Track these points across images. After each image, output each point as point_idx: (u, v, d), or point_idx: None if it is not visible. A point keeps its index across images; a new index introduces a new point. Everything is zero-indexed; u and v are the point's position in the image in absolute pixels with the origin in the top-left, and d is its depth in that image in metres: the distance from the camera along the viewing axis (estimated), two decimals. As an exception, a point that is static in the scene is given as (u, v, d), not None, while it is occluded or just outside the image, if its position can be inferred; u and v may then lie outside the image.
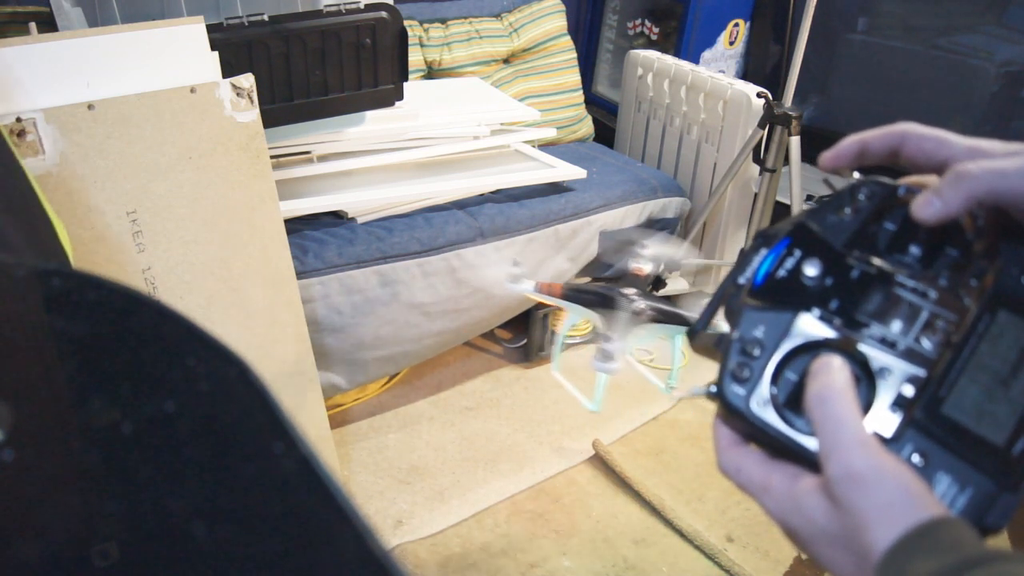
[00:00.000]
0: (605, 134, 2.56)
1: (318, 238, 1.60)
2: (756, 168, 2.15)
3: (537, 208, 1.84)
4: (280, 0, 1.77)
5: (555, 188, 1.93)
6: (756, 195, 2.18)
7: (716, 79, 2.12)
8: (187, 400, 0.30)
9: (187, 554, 0.25)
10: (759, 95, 2.01)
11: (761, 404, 0.35)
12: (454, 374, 2.04)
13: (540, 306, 1.99)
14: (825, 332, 0.35)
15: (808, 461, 0.34)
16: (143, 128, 1.17)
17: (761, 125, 1.98)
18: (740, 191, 2.20)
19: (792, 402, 0.35)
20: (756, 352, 0.35)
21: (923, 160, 0.38)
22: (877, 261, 0.36)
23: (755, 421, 0.35)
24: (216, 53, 1.26)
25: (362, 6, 1.56)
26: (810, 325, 0.35)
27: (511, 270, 1.23)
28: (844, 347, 0.35)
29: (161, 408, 0.30)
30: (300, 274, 1.50)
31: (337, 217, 1.70)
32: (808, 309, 0.36)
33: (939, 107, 2.38)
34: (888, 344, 0.34)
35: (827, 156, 0.41)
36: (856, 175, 0.40)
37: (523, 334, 2.09)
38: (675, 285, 2.30)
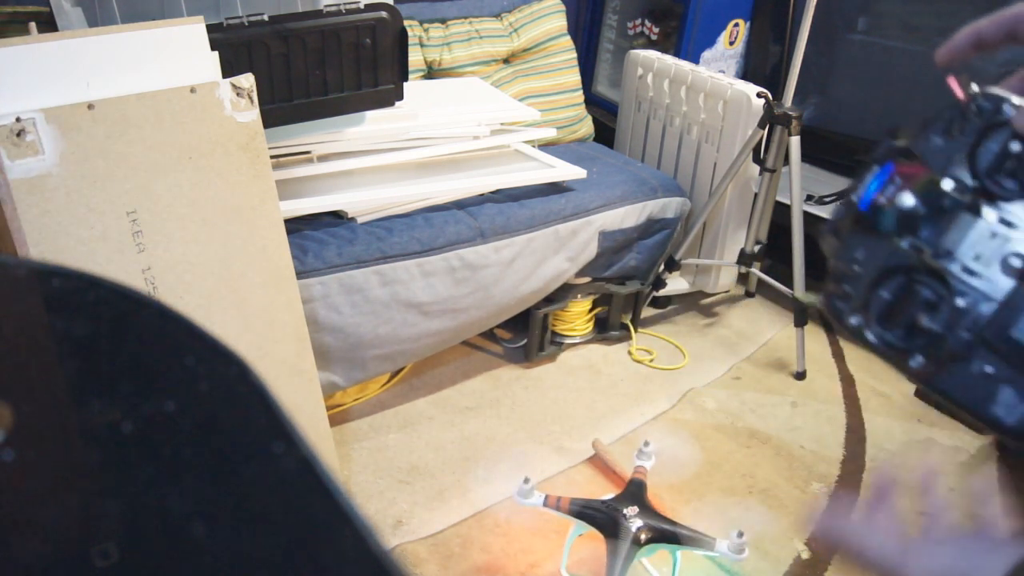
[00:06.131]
0: (605, 134, 2.56)
1: (318, 238, 1.60)
2: (756, 168, 2.14)
3: (537, 208, 1.84)
4: (280, 0, 1.77)
5: (555, 188, 1.93)
6: (756, 195, 2.18)
7: (716, 79, 2.12)
8: (187, 400, 0.30)
9: (187, 554, 0.25)
10: (759, 95, 2.01)
11: (858, 319, 0.40)
12: (454, 374, 2.04)
13: (540, 306, 2.00)
14: (915, 259, 0.39)
15: (899, 364, 0.39)
16: (143, 128, 1.17)
17: (761, 125, 1.98)
18: (740, 191, 2.20)
19: (884, 318, 0.39)
20: (856, 270, 0.40)
21: None
22: (968, 194, 0.39)
23: (853, 330, 0.40)
24: (216, 53, 1.26)
25: (362, 6, 1.56)
26: (902, 252, 0.39)
27: (522, 486, 1.36)
28: (930, 272, 0.39)
29: (161, 408, 0.30)
30: (300, 274, 1.50)
31: (337, 217, 1.70)
32: (902, 235, 0.39)
33: (939, 107, 2.37)
34: (970, 272, 0.38)
35: (942, 51, 0.41)
36: (974, 87, 0.41)
37: (523, 334, 2.09)
38: (675, 285, 2.30)
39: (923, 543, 0.37)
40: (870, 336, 0.39)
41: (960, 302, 0.37)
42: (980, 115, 0.39)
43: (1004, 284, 0.37)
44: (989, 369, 0.37)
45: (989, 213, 0.38)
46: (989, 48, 0.40)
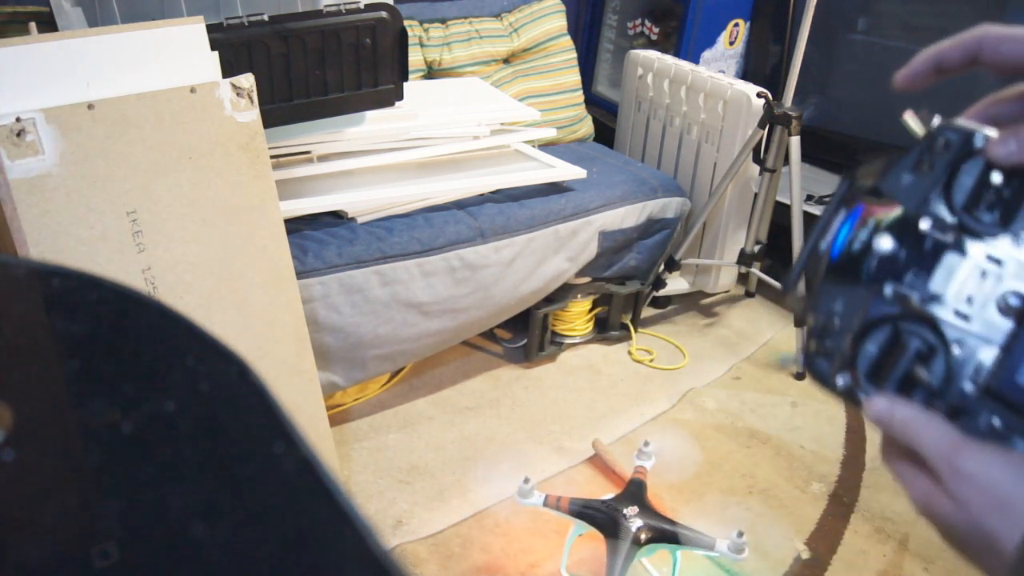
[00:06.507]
0: (605, 134, 2.56)
1: (318, 238, 1.60)
2: (756, 168, 2.15)
3: (537, 208, 1.84)
4: (280, 0, 1.77)
5: (555, 188, 1.93)
6: (756, 195, 2.18)
7: (716, 79, 2.12)
8: (187, 400, 0.30)
9: (187, 554, 0.25)
10: (759, 95, 2.01)
11: (845, 378, 0.36)
12: (454, 374, 2.04)
13: (540, 306, 2.00)
14: (901, 307, 0.36)
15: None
16: (143, 128, 1.17)
17: (761, 125, 1.98)
18: (740, 191, 2.20)
19: (872, 374, 0.36)
20: (836, 324, 0.37)
21: (1005, 63, 0.36)
22: (950, 232, 0.36)
23: (841, 392, 0.37)
24: (216, 53, 1.26)
25: (362, 6, 1.56)
26: (885, 300, 0.36)
27: (522, 486, 1.37)
28: (919, 320, 0.36)
29: (161, 408, 0.30)
30: (300, 274, 1.50)
31: (337, 217, 1.70)
32: (883, 282, 0.36)
33: (939, 108, 2.37)
34: (963, 316, 0.35)
35: (901, 74, 0.39)
36: (937, 119, 0.38)
37: (523, 334, 2.09)
38: (675, 285, 2.30)
39: (979, 446, 0.34)
40: (863, 397, 0.36)
41: (956, 350, 0.35)
42: (948, 148, 0.36)
43: (1003, 326, 0.34)
44: (997, 422, 0.33)
45: (976, 251, 0.35)
46: (951, 73, 0.38)
